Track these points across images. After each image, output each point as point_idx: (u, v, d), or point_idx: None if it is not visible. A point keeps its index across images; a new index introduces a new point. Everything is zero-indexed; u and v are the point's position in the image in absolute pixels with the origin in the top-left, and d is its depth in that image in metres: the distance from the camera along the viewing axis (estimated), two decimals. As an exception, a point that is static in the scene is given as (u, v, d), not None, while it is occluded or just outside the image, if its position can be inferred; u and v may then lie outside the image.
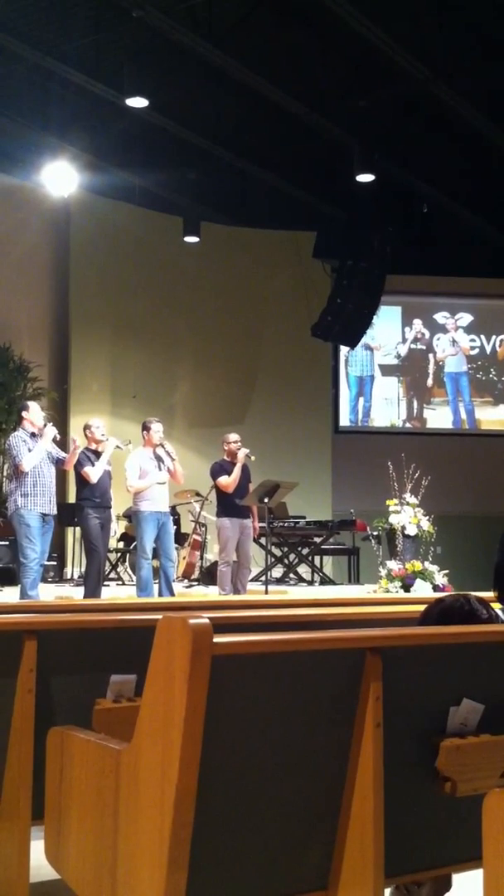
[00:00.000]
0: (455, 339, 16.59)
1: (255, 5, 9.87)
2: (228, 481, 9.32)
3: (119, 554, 11.81)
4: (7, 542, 10.81)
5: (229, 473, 9.35)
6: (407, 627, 2.64)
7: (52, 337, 14.22)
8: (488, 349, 16.74)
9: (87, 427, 8.81)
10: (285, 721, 2.20)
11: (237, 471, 9.34)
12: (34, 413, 8.10)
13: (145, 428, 9.03)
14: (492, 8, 9.94)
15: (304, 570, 12.57)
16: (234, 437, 9.58)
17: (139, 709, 2.17)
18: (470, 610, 2.68)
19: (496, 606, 2.88)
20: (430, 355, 16.59)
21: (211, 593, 10.24)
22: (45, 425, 8.08)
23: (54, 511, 8.05)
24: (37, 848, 2.65)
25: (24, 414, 8.14)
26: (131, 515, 9.45)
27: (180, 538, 11.46)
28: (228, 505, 9.34)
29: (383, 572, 9.82)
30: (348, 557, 12.82)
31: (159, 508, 8.78)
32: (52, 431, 8.06)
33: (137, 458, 8.84)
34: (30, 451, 7.87)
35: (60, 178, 11.76)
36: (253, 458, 9.55)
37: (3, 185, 13.03)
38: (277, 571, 12.28)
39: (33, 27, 10.03)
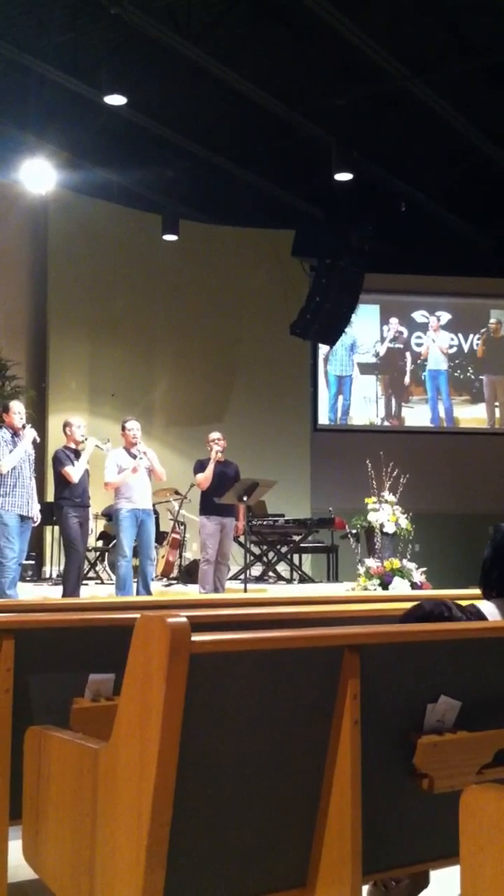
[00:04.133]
0: (435, 337, 16.66)
1: (233, 3, 9.86)
2: (202, 478, 9.37)
3: (97, 553, 11.79)
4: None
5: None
6: (385, 625, 2.65)
7: (30, 335, 14.15)
8: (466, 348, 16.81)
9: (67, 425, 8.77)
10: (263, 719, 2.20)
11: (210, 468, 9.37)
12: (14, 414, 8.06)
13: (122, 427, 9.05)
14: (469, 6, 9.97)
15: (282, 568, 12.58)
16: (213, 434, 9.65)
17: (117, 708, 2.17)
18: (449, 617, 2.70)
19: (478, 602, 2.89)
20: (408, 354, 16.64)
21: (190, 592, 10.24)
22: (22, 426, 8.05)
23: (34, 512, 8.02)
24: (14, 848, 2.64)
25: (3, 415, 8.12)
26: (111, 514, 9.45)
27: (159, 537, 11.43)
28: (209, 503, 9.36)
29: (362, 570, 9.83)
30: (327, 555, 12.84)
31: (138, 506, 8.76)
32: (31, 433, 8.04)
33: (115, 456, 8.86)
34: (10, 452, 7.84)
35: (38, 175, 11.70)
36: (221, 454, 9.53)
37: (-19, 183, 12.97)
38: (256, 570, 12.28)
39: (11, 24, 9.99)
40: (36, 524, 8.23)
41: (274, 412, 15.10)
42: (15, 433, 7.97)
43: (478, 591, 3.01)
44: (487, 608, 2.86)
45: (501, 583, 2.94)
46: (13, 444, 7.90)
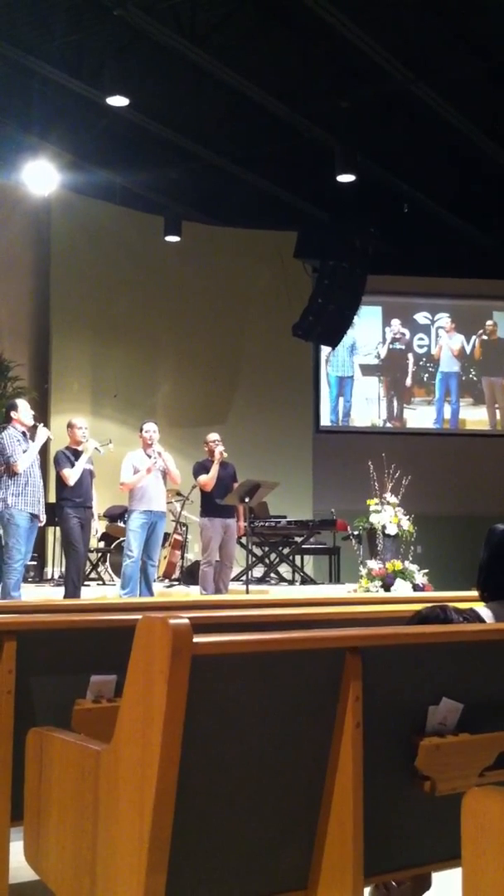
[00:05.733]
0: (448, 339, 16.65)
1: (236, 5, 9.86)
2: (206, 479, 9.37)
3: (100, 554, 11.78)
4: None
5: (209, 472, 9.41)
6: (387, 627, 2.64)
7: (32, 336, 14.16)
8: (468, 349, 16.80)
9: (70, 425, 8.77)
10: (265, 721, 2.20)
11: (215, 469, 9.37)
12: (23, 412, 8.02)
13: (140, 429, 9.20)
14: (471, 8, 9.97)
15: (284, 569, 12.57)
16: (212, 436, 9.67)
17: (119, 709, 2.17)
18: (445, 619, 2.70)
19: (478, 605, 2.89)
20: (410, 355, 16.63)
21: (192, 593, 10.23)
22: (34, 425, 8.03)
23: (42, 512, 8.01)
24: (16, 849, 2.64)
25: (12, 413, 8.05)
26: (120, 514, 9.48)
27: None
28: (211, 504, 9.36)
29: (364, 572, 9.82)
30: (329, 557, 12.83)
31: (150, 508, 8.84)
32: (44, 433, 8.02)
33: (131, 457, 8.96)
34: (24, 451, 7.80)
35: (41, 176, 11.71)
36: (226, 454, 9.55)
37: (-16, 184, 12.98)
38: (258, 571, 12.26)
39: (14, 26, 9.99)
40: (41, 525, 8.21)
41: (276, 413, 15.10)
42: (25, 431, 7.94)
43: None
44: (485, 612, 2.86)
45: (498, 586, 2.93)
46: (26, 443, 7.87)
